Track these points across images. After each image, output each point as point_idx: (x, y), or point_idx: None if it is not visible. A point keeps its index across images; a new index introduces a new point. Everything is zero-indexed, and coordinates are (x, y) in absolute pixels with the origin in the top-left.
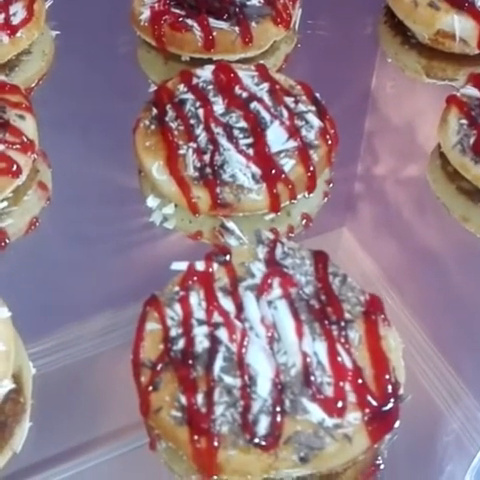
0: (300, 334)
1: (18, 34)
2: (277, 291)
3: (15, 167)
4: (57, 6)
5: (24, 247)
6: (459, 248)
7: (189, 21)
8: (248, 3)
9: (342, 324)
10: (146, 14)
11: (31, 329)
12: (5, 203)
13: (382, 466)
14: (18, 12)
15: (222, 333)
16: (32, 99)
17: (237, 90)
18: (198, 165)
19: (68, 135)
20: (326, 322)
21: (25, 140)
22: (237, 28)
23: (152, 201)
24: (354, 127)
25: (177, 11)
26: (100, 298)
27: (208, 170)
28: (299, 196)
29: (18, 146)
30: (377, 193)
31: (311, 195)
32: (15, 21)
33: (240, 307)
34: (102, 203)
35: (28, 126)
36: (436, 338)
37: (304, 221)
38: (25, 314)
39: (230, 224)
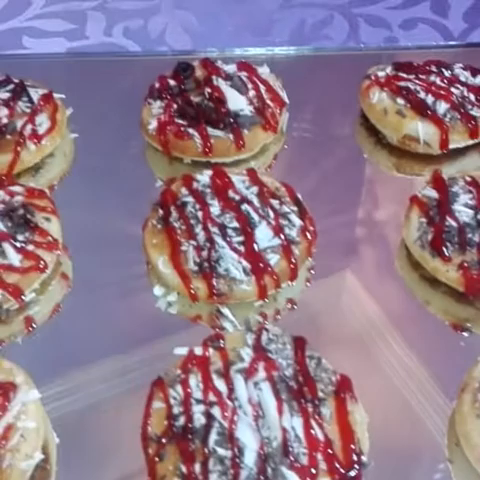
0: (280, 411)
1: (43, 141)
2: (262, 374)
3: (42, 264)
4: (76, 112)
5: (48, 330)
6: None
7: (190, 130)
8: (241, 113)
9: (316, 402)
10: (154, 124)
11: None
12: (33, 294)
13: None
14: (43, 122)
15: (216, 411)
16: (55, 195)
17: (231, 193)
18: (197, 260)
19: (86, 227)
20: (302, 400)
21: (51, 239)
22: (231, 135)
23: (158, 290)
24: (333, 218)
25: (180, 121)
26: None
27: (206, 264)
28: (283, 285)
29: (45, 245)
30: (352, 278)
31: (294, 283)
32: (40, 131)
33: (231, 388)
34: (114, 293)
35: (53, 227)
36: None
37: (289, 305)
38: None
39: (225, 310)
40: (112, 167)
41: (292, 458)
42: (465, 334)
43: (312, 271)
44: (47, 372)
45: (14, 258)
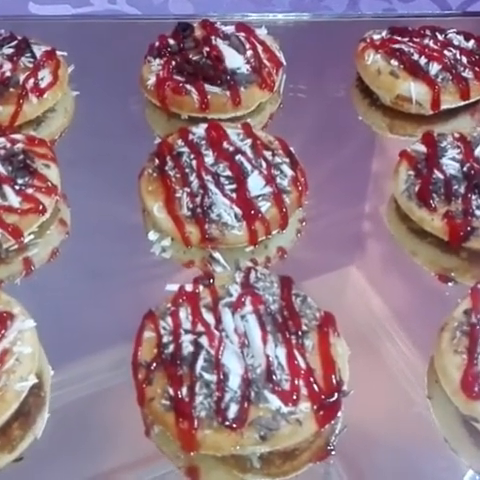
0: (265, 341)
1: (45, 95)
2: (248, 307)
3: (41, 207)
4: (78, 71)
5: (47, 273)
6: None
7: (188, 86)
8: (238, 71)
9: (299, 334)
10: (152, 80)
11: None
12: (32, 236)
13: (333, 452)
14: (45, 77)
15: (203, 340)
16: (55, 149)
17: (225, 145)
18: (191, 206)
19: (85, 180)
20: (287, 333)
21: (50, 185)
22: (228, 92)
23: (153, 235)
24: (325, 173)
25: (178, 78)
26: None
27: (199, 210)
28: (274, 232)
29: (44, 190)
30: (344, 233)
31: (284, 231)
32: (43, 85)
33: (219, 320)
34: (111, 236)
35: (52, 173)
36: None
37: (279, 253)
38: (44, 331)
39: (216, 255)
40: (112, 123)
41: (274, 383)
42: (450, 284)
43: (303, 223)
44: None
45: (14, 200)
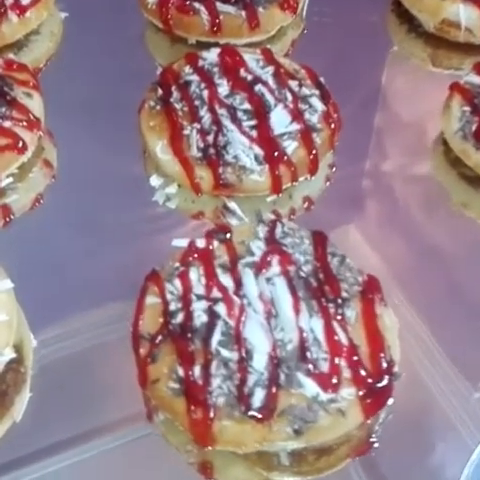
0: (297, 310)
1: (27, 14)
2: (276, 268)
3: (21, 143)
4: None
5: (28, 223)
6: (461, 242)
7: (196, 4)
8: None
9: (339, 302)
10: None
11: (34, 312)
12: (10, 179)
13: (376, 445)
14: None
15: (220, 308)
16: (40, 78)
17: (242, 73)
18: (201, 145)
19: (74, 115)
20: (323, 300)
21: (31, 117)
22: (244, 13)
23: (155, 180)
24: (358, 113)
25: None
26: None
27: (211, 150)
28: (301, 179)
29: (24, 123)
30: (380, 183)
31: (313, 178)
32: (24, 1)
33: (239, 283)
34: (106, 182)
35: (35, 104)
36: (438, 334)
37: (306, 204)
38: (26, 292)
39: (232, 204)
40: (106, 50)
41: (310, 364)
42: None
43: (333, 169)
44: (21, 272)
45: None
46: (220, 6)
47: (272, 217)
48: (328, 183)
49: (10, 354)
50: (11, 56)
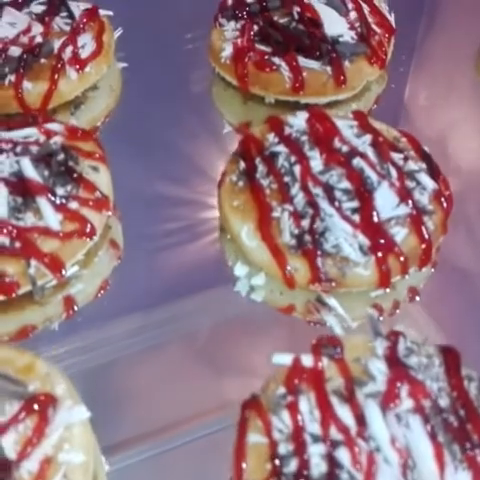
0: (441, 462)
1: (87, 69)
2: (407, 403)
3: (89, 228)
4: (126, 35)
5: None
6: None
7: (276, 59)
8: (341, 40)
9: None
10: (228, 50)
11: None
12: (76, 267)
13: None
14: (87, 44)
15: (343, 454)
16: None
17: (336, 143)
18: (295, 231)
19: (139, 180)
20: (467, 445)
21: (100, 196)
22: (329, 68)
23: (240, 269)
24: (463, 181)
25: (263, 48)
26: None
27: (307, 238)
28: (411, 270)
29: (92, 203)
30: None
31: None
32: (84, 54)
33: (361, 419)
34: (177, 262)
35: (102, 179)
36: None
37: (410, 294)
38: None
39: (331, 301)
40: (172, 107)
41: None
42: None
43: (439, 251)
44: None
45: (53, 219)
46: (303, 61)
47: (374, 314)
48: (433, 269)
49: None
50: (70, 118)
